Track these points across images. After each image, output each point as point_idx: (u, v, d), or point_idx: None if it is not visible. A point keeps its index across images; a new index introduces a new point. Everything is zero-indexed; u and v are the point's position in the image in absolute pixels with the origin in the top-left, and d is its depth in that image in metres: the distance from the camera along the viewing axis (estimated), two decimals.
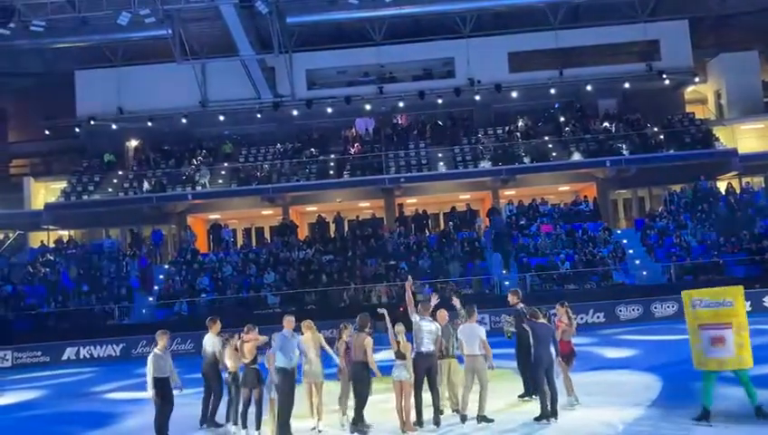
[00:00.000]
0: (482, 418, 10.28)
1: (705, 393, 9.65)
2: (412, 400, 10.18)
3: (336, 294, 25.65)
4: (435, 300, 10.93)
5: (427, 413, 10.43)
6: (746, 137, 32.83)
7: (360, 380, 10.25)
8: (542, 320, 10.62)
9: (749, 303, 23.01)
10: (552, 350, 10.39)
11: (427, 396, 10.42)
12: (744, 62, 33.28)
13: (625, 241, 27.78)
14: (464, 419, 10.33)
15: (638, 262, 26.63)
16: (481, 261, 26.67)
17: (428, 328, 10.29)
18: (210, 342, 11.28)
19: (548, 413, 10.10)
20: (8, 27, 28.62)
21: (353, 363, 10.34)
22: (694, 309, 9.67)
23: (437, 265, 26.44)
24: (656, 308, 23.37)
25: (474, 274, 26.02)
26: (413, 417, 10.21)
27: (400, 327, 10.25)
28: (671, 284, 24.63)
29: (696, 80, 33.47)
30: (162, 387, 9.96)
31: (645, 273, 25.86)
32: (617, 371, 14.02)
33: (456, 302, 11.55)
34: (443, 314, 10.82)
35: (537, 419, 10.15)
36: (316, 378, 10.45)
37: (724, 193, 29.37)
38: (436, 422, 10.24)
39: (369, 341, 10.19)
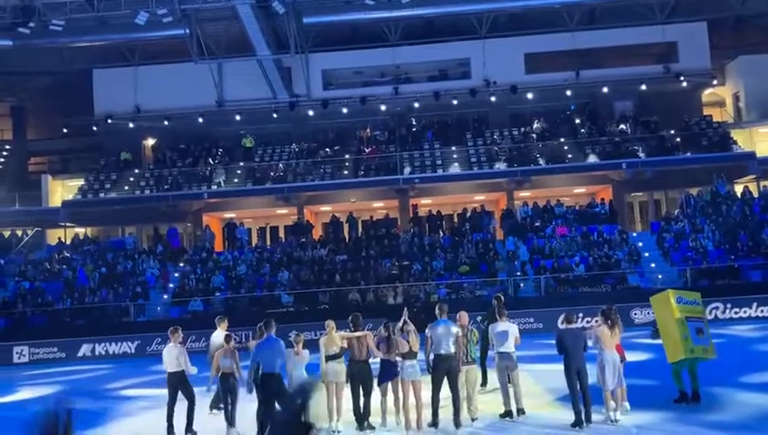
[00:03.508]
0: (520, 411, 10.63)
1: (680, 379, 10.96)
2: (423, 399, 10.22)
3: (350, 294, 25.65)
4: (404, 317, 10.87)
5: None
6: (765, 140, 32.47)
7: (367, 378, 10.40)
8: (572, 325, 10.45)
9: (766, 308, 22.94)
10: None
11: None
12: (763, 64, 32.87)
13: (640, 244, 27.57)
14: (518, 412, 10.60)
15: (653, 265, 26.42)
16: (493, 261, 26.57)
17: (448, 330, 10.28)
18: (218, 337, 11.98)
19: (581, 421, 9.84)
20: (28, 27, 28.95)
21: (356, 362, 10.41)
22: (679, 304, 11.02)
23: (451, 265, 26.43)
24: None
25: (488, 275, 25.92)
26: (425, 417, 10.23)
27: (411, 326, 10.35)
28: (687, 287, 24.39)
29: (714, 82, 33.18)
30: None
31: (660, 276, 25.62)
32: (631, 375, 13.91)
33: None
34: (464, 316, 10.86)
35: (573, 425, 9.88)
36: (337, 378, 10.44)
37: (740, 197, 29.07)
38: (456, 424, 10.22)
39: (369, 336, 10.54)
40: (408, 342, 10.23)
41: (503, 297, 12.79)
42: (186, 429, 10.69)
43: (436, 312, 10.59)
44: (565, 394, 10.60)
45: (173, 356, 10.79)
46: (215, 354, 11.19)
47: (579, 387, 9.93)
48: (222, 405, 12.08)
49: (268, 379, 9.73)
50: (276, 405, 9.51)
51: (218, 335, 12.11)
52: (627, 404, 10.54)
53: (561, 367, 10.18)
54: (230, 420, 10.60)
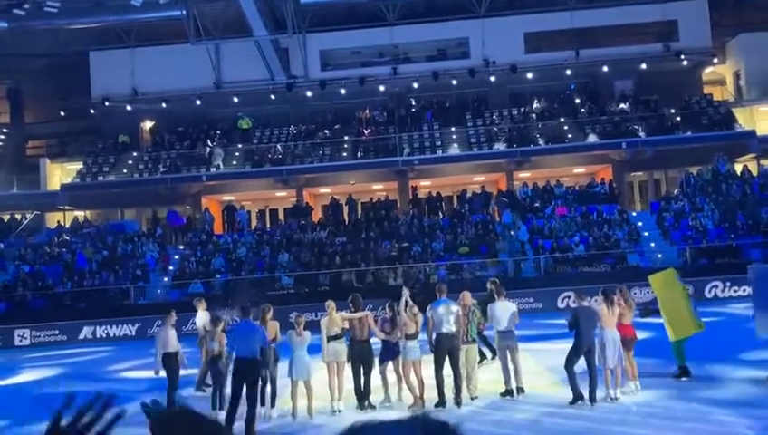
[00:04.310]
0: (520, 389, 10.68)
1: (681, 355, 11.23)
2: (420, 376, 10.36)
3: (349, 276, 25.69)
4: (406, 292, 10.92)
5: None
6: (765, 118, 32.35)
7: (368, 358, 10.54)
8: (585, 303, 10.43)
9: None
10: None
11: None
12: (764, 42, 32.65)
13: (640, 223, 27.56)
14: (518, 391, 10.67)
15: (653, 244, 26.43)
16: (493, 242, 26.59)
17: (449, 309, 10.35)
18: (200, 319, 12.50)
19: (580, 395, 9.94)
20: (23, 8, 28.72)
21: (358, 342, 10.50)
22: (680, 283, 11.58)
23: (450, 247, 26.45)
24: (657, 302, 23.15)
25: (488, 256, 25.94)
26: (429, 397, 10.34)
27: (415, 308, 10.43)
28: (687, 267, 24.42)
29: (715, 60, 32.95)
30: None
31: (660, 256, 25.64)
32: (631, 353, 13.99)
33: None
34: (468, 295, 10.91)
35: (572, 402, 9.96)
36: (338, 357, 10.50)
37: (740, 175, 29.02)
38: (458, 402, 10.29)
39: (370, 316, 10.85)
40: (416, 322, 10.35)
41: (498, 281, 12.86)
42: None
43: (437, 292, 10.66)
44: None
45: (163, 338, 11.08)
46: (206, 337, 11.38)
47: (586, 365, 10.00)
48: (205, 387, 12.24)
49: (240, 363, 9.67)
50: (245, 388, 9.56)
51: (200, 317, 12.41)
52: (638, 383, 10.63)
53: (560, 346, 10.24)
54: (215, 404, 10.58)
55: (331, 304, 10.73)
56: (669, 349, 11.61)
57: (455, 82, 32.35)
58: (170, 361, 10.90)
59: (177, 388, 10.98)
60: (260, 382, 10.28)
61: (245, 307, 10.38)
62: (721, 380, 11.09)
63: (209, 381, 11.84)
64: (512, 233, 26.68)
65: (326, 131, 32.09)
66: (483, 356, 12.93)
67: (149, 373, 15.68)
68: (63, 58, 34.49)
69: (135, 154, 32.79)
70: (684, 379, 11.11)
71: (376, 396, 10.81)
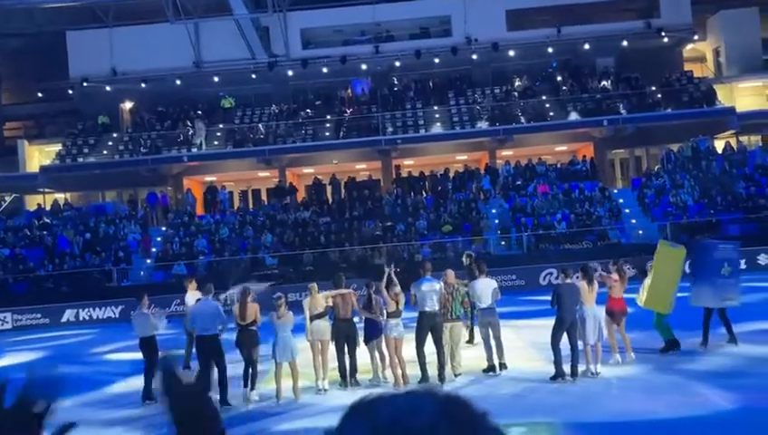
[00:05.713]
0: (502, 365, 10.80)
1: (666, 330, 11.29)
2: (403, 355, 10.45)
3: (334, 256, 25.70)
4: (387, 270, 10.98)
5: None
6: (745, 95, 32.60)
7: (352, 336, 10.64)
8: (569, 280, 10.50)
9: (744, 260, 23.25)
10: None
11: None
12: (743, 19, 32.86)
13: (621, 200, 27.79)
14: (500, 367, 10.77)
15: (634, 221, 26.67)
16: (477, 221, 26.69)
17: (432, 287, 10.42)
18: (190, 299, 12.38)
19: (562, 373, 10.06)
20: None
21: (341, 320, 10.58)
22: (681, 266, 11.72)
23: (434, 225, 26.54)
24: (651, 267, 23.40)
25: (471, 234, 26.05)
26: (413, 374, 10.43)
27: (397, 287, 10.47)
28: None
29: (696, 37, 33.06)
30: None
31: (641, 232, 25.90)
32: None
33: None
34: (451, 274, 10.97)
35: (552, 378, 10.10)
36: (322, 336, 10.55)
37: (720, 152, 29.27)
38: (441, 379, 10.39)
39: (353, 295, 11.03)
40: (397, 301, 10.38)
41: (473, 254, 13.07)
42: (143, 394, 10.65)
43: (421, 270, 10.74)
44: (549, 350, 10.72)
45: (140, 322, 10.96)
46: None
47: (568, 341, 10.11)
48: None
49: (201, 342, 9.83)
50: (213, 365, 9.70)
51: (190, 297, 12.31)
52: (632, 354, 10.89)
53: (542, 322, 10.34)
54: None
55: (313, 286, 10.84)
56: (647, 323, 11.76)
57: (437, 60, 32.22)
58: (147, 344, 10.75)
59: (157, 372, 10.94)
60: (244, 364, 10.34)
61: (205, 285, 10.46)
62: (700, 352, 11.26)
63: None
64: (486, 192, 26.81)
65: (308, 111, 31.89)
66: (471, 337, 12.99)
67: (133, 355, 15.70)
68: (40, 38, 33.90)
69: (115, 135, 32.41)
70: (671, 352, 11.18)
71: (361, 375, 10.88)
